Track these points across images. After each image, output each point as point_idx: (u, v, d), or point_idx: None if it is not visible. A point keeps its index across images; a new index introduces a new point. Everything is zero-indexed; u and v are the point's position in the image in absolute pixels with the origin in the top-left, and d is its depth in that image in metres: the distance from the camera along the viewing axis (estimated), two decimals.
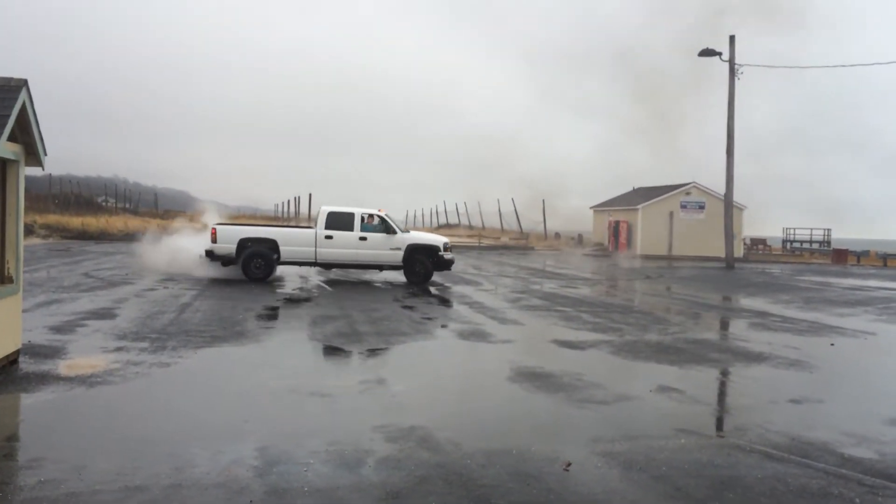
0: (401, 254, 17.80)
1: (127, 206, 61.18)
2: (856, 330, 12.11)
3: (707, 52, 30.12)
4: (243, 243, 17.16)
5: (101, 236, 37.44)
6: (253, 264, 17.00)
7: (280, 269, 18.31)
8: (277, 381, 7.17)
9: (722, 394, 7.65)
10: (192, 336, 9.34)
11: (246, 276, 16.92)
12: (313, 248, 17.51)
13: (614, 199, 48.33)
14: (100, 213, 48.15)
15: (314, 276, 19.31)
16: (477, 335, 10.44)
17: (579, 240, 47.96)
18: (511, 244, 46.67)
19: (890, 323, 13.29)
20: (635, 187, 48.97)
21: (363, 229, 17.73)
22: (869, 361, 9.79)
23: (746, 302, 16.81)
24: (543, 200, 48.18)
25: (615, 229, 42.81)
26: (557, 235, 50.80)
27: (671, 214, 40.80)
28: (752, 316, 13.87)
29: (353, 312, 12.21)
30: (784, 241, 51.94)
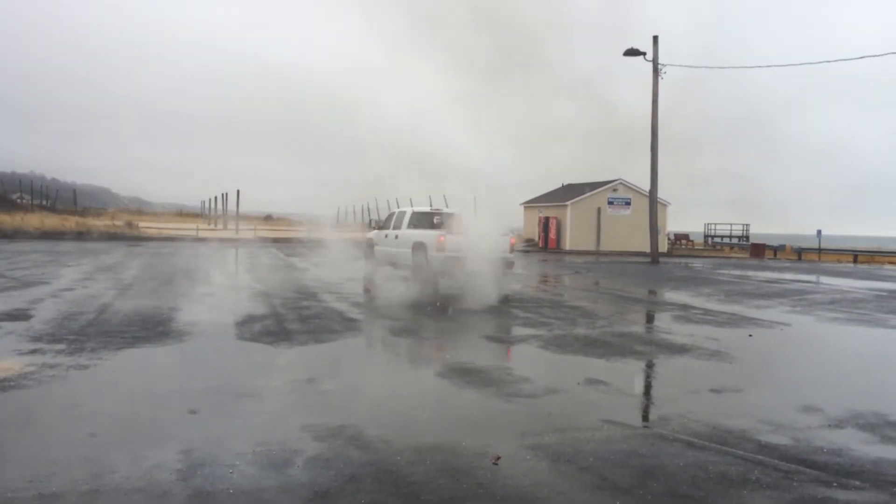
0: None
1: (44, 203, 58.75)
2: (772, 321, 12.62)
3: (632, 52, 30.84)
4: None
5: (16, 235, 35.89)
6: None
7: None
8: (202, 381, 7.00)
9: (647, 385, 7.84)
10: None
11: None
12: None
13: (544, 196, 49.02)
14: (14, 210, 46.11)
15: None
16: (408, 331, 10.43)
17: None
18: None
19: (803, 314, 13.89)
20: (564, 184, 49.79)
21: None
22: (784, 351, 10.21)
23: (670, 295, 17.31)
24: (474, 196, 48.46)
25: (545, 225, 43.44)
26: None
27: (599, 210, 41.70)
28: (676, 309, 14.28)
29: (282, 311, 12.03)
30: (706, 236, 53.79)
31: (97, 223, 44.74)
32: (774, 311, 14.10)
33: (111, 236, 38.56)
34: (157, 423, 5.59)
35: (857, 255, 41.11)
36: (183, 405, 6.14)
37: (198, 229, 46.92)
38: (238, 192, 51.49)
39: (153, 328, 9.82)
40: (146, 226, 47.68)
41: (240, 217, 53.54)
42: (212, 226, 58.59)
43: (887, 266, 36.45)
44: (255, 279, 17.92)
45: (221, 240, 41.48)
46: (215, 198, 64.97)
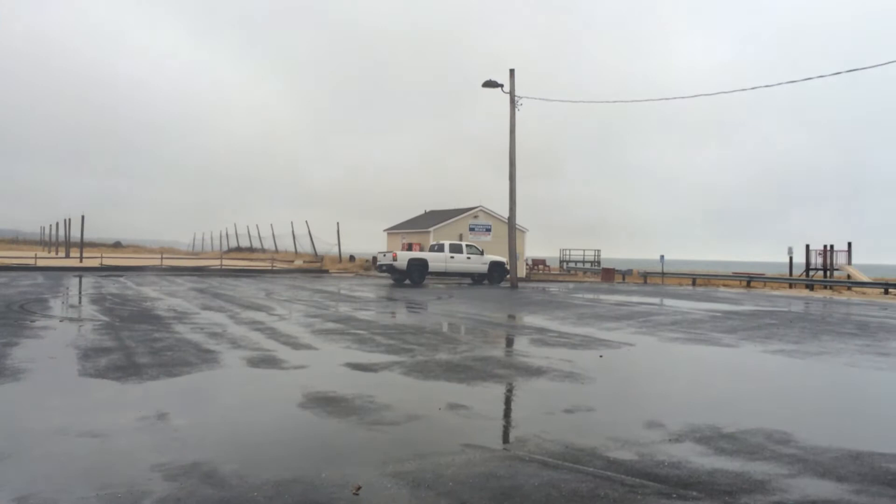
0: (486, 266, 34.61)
1: None
2: (620, 342, 13.35)
3: (490, 84, 31.96)
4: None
5: None
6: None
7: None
8: (41, 422, 6.50)
9: (506, 408, 8.06)
10: None
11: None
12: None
13: (407, 222, 49.47)
14: None
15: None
16: (268, 362, 10.18)
17: (374, 262, 48.45)
18: (305, 267, 46.07)
19: (648, 335, 14.80)
20: (427, 210, 50.52)
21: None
22: (631, 371, 10.82)
23: (528, 319, 17.91)
24: (338, 223, 48.27)
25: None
26: (352, 258, 50.97)
27: (461, 236, 42.56)
28: (533, 332, 14.80)
29: (131, 343, 11.39)
30: (561, 261, 56.14)
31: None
32: (622, 333, 14.92)
33: None
34: None
35: (695, 279, 44.30)
36: (19, 449, 5.68)
37: (36, 257, 43.64)
38: (83, 217, 48.47)
39: None
40: None
41: (85, 244, 50.31)
42: (52, 253, 54.66)
43: (721, 288, 39.51)
44: (101, 310, 16.89)
45: (63, 268, 38.78)
46: (57, 223, 60.71)
